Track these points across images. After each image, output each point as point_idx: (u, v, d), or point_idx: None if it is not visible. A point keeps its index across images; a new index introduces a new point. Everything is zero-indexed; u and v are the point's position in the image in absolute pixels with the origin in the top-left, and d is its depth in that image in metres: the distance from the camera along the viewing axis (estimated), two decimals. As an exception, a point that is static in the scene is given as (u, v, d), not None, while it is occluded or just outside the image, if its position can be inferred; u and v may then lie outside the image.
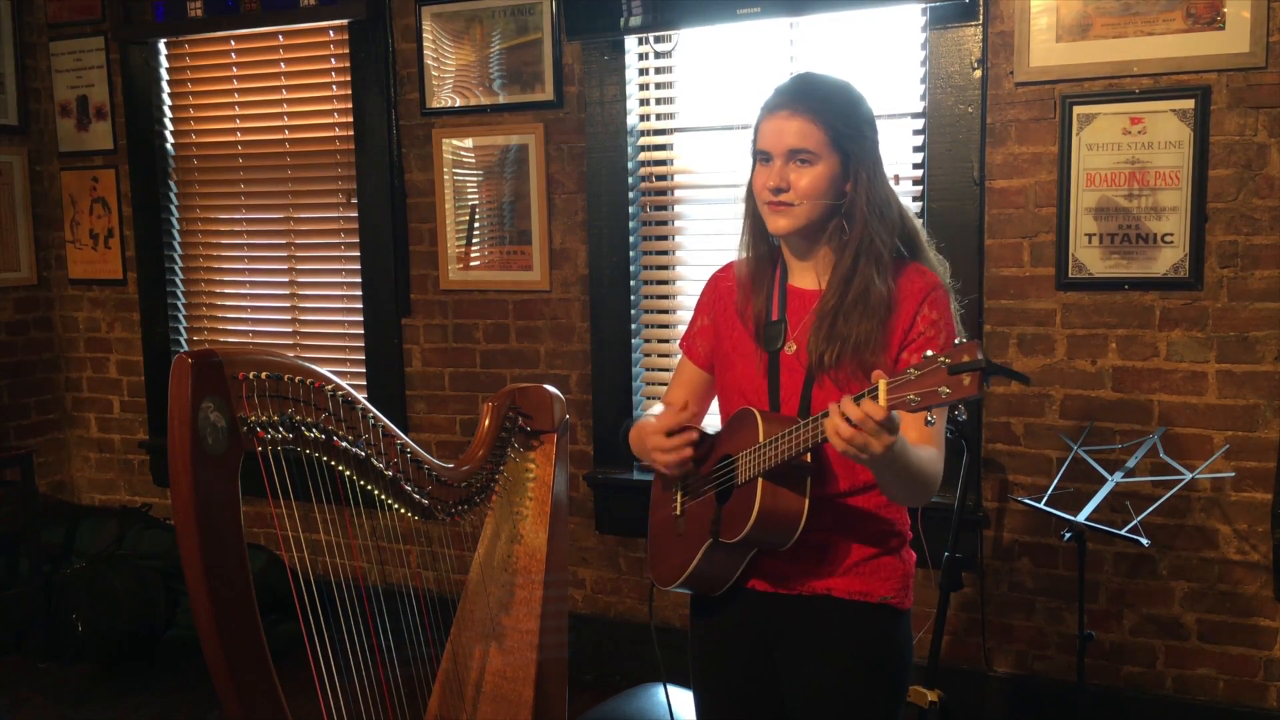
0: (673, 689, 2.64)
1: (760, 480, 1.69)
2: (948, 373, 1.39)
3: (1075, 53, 3.00)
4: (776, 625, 1.87)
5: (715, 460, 1.83)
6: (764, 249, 1.89)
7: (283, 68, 4.12)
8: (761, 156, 1.79)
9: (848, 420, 1.49)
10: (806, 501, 1.70)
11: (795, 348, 1.82)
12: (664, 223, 3.65)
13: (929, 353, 1.43)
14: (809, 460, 1.71)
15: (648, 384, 3.72)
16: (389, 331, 4.01)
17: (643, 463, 1.91)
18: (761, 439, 1.70)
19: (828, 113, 1.74)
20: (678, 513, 1.92)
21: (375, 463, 1.79)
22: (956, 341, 1.42)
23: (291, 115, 4.14)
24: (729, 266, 1.99)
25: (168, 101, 4.36)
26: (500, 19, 3.68)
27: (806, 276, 1.86)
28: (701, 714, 2.02)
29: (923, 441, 1.69)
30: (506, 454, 2.19)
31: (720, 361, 1.95)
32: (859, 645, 1.83)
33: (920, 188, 3.23)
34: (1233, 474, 2.93)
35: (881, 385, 1.46)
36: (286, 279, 4.26)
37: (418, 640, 2.11)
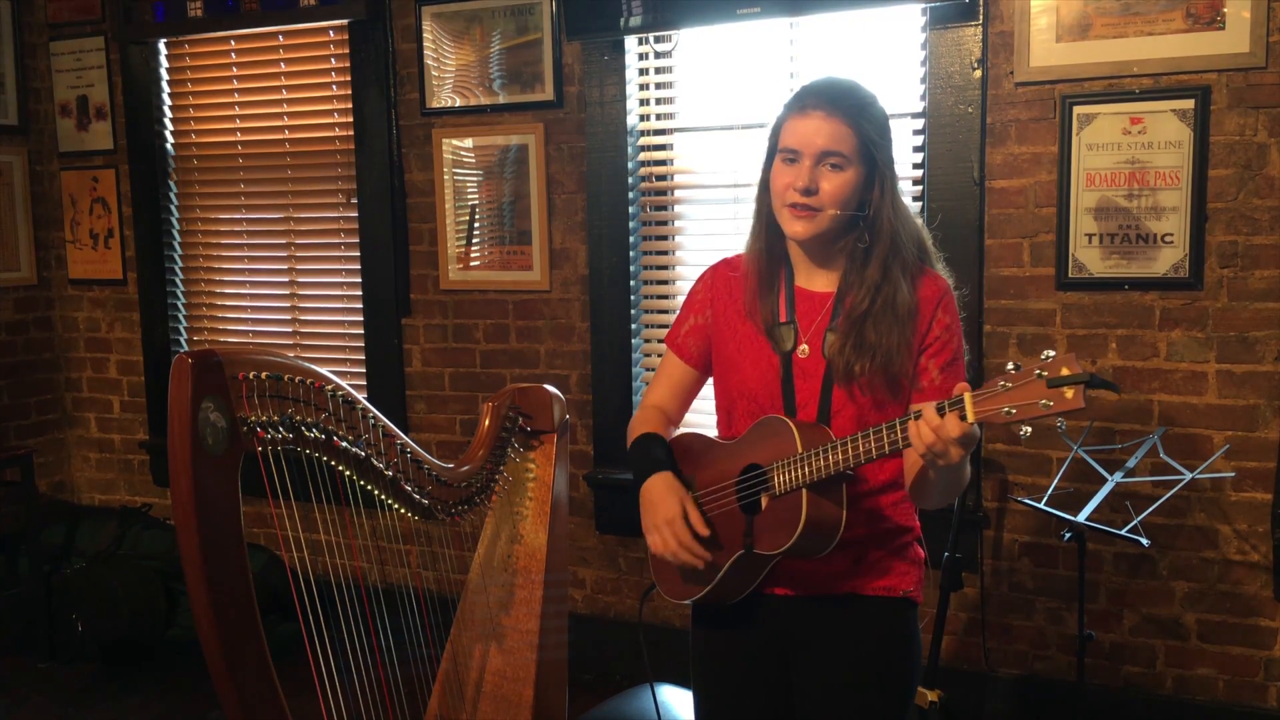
0: (670, 689, 2.65)
1: (805, 491, 1.68)
2: (1046, 386, 1.40)
3: (1075, 53, 3.00)
4: (794, 627, 1.86)
5: (738, 470, 1.79)
6: (775, 247, 1.86)
7: (283, 68, 4.12)
8: (787, 155, 1.76)
9: (932, 429, 1.52)
10: (844, 510, 1.70)
11: (809, 350, 1.81)
12: (664, 223, 3.65)
13: (1011, 366, 1.45)
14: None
15: (647, 384, 3.71)
16: (389, 331, 4.01)
17: (643, 516, 1.87)
18: (800, 449, 1.68)
19: (863, 120, 1.74)
20: None
21: (375, 463, 1.79)
22: (1045, 355, 1.43)
23: (291, 115, 4.14)
24: (724, 264, 1.96)
25: (168, 101, 4.36)
26: (500, 19, 3.68)
27: (817, 279, 1.84)
28: (704, 712, 2.01)
29: None
30: (506, 454, 2.19)
31: (723, 363, 1.91)
32: (883, 638, 1.84)
33: (920, 188, 3.23)
34: (1233, 474, 2.93)
35: (968, 399, 1.47)
36: (286, 279, 4.26)
37: (418, 640, 2.11)
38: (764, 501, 1.75)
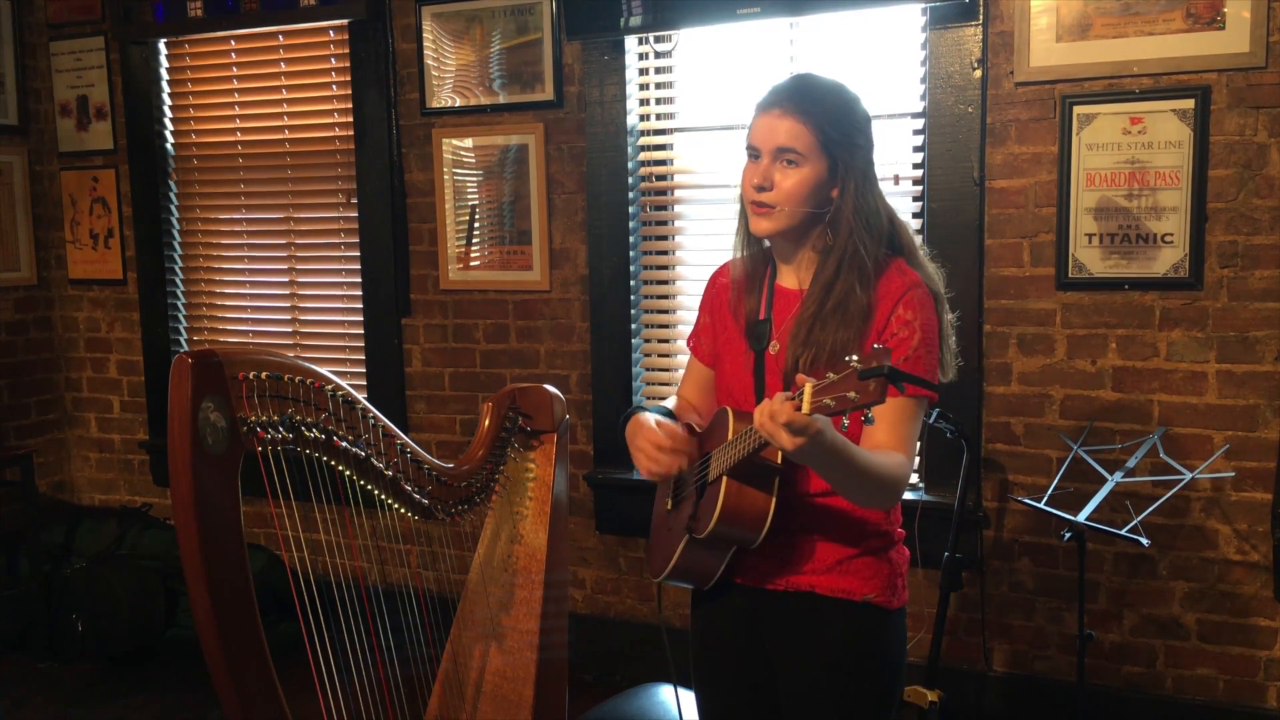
0: (671, 689, 2.65)
1: (724, 478, 1.71)
2: (858, 377, 1.40)
3: (1075, 53, 3.00)
4: (766, 620, 1.88)
5: (700, 457, 1.85)
6: (756, 247, 1.90)
7: (283, 68, 4.12)
8: (751, 153, 1.80)
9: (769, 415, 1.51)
10: (773, 500, 1.71)
11: (778, 348, 1.83)
12: (664, 223, 3.65)
13: (850, 357, 1.43)
14: (779, 460, 1.71)
15: (648, 384, 3.72)
16: (389, 331, 4.01)
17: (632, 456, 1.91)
18: (730, 437, 1.72)
19: (819, 116, 1.74)
20: (669, 507, 1.95)
21: (375, 463, 1.79)
22: (874, 347, 1.42)
23: (291, 115, 4.14)
24: (727, 264, 1.99)
25: (168, 101, 4.35)
26: (500, 19, 3.68)
27: (792, 277, 1.86)
28: (701, 707, 2.03)
29: (887, 446, 1.69)
30: (506, 454, 2.19)
31: (716, 361, 1.97)
32: (844, 643, 1.83)
33: (920, 188, 3.23)
34: (1233, 474, 2.93)
35: (806, 389, 1.47)
36: (286, 279, 4.26)
37: (418, 640, 2.11)
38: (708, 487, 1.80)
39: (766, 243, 1.90)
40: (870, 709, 1.85)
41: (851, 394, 1.40)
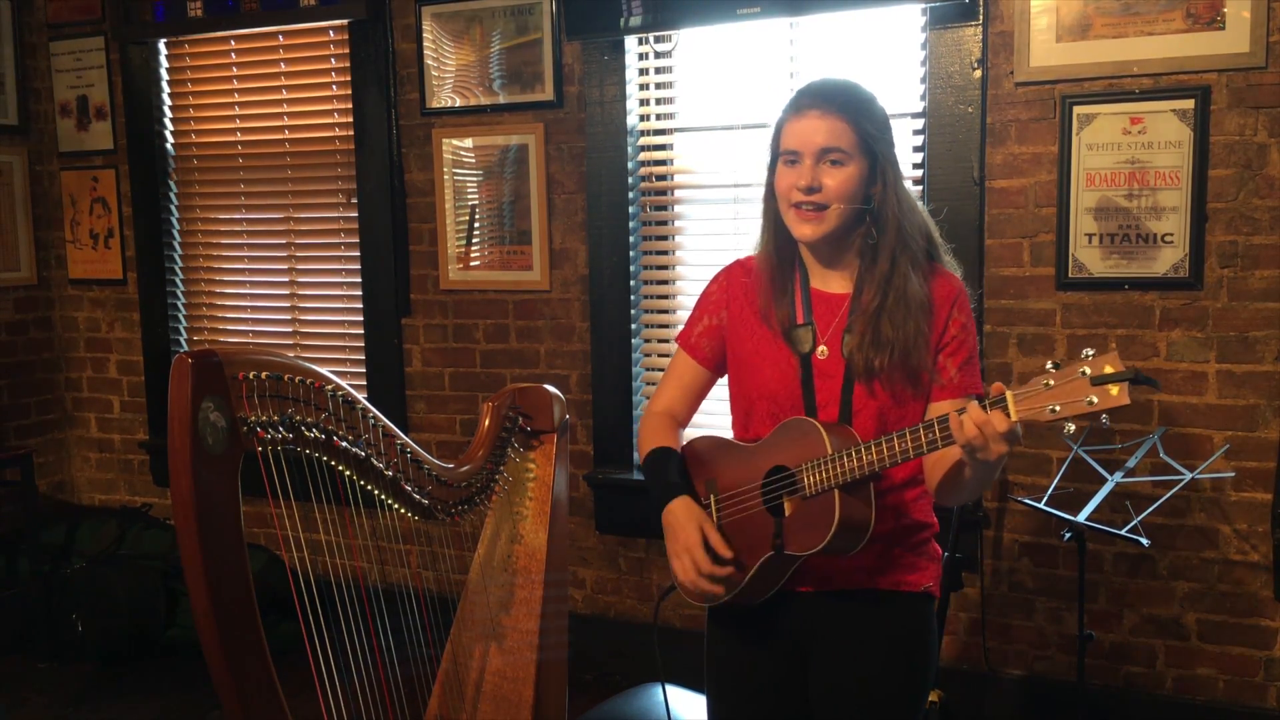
0: (672, 689, 2.65)
1: (838, 491, 1.68)
2: (1090, 383, 1.42)
3: (1075, 53, 3.00)
4: (816, 623, 1.87)
5: (764, 473, 1.79)
6: (785, 250, 1.87)
7: (283, 68, 4.12)
8: (788, 157, 1.78)
9: (976, 426, 1.52)
10: (873, 509, 1.70)
11: (827, 351, 1.82)
12: (664, 223, 3.65)
13: (1050, 365, 1.45)
14: None
15: (648, 384, 3.72)
16: (389, 331, 4.01)
17: (666, 541, 1.86)
18: (829, 450, 1.68)
19: (858, 114, 1.76)
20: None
21: (375, 463, 1.79)
22: (1085, 353, 1.44)
23: (291, 115, 4.14)
24: (739, 265, 1.96)
25: (168, 101, 4.36)
26: (500, 19, 3.68)
27: (831, 280, 1.85)
28: (718, 711, 1.99)
29: None
30: (507, 454, 2.19)
31: (740, 365, 1.91)
32: (903, 632, 1.85)
33: (920, 188, 3.23)
34: (1233, 474, 2.93)
35: (1009, 397, 1.48)
36: (286, 279, 4.26)
37: (418, 640, 2.11)
38: (793, 502, 1.75)
39: (794, 244, 1.87)
40: (922, 694, 1.88)
41: (1089, 399, 1.42)
